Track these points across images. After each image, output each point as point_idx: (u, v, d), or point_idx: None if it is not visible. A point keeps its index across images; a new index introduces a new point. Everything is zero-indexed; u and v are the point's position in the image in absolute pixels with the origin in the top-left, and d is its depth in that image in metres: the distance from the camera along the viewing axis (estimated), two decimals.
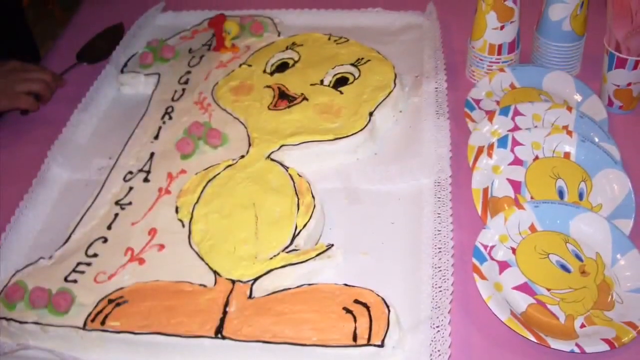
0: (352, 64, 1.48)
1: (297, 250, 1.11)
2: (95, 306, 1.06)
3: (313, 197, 1.19)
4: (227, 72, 1.53)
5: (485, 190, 1.21)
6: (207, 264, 1.12)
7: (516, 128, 1.29)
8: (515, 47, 1.48)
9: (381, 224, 1.19)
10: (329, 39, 1.59)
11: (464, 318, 1.06)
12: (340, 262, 1.12)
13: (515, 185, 1.21)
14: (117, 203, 1.25)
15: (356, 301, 1.01)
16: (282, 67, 1.52)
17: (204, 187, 1.24)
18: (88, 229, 1.21)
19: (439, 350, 0.96)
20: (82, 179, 1.35)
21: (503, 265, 1.09)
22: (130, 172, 1.31)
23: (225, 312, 1.03)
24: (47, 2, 3.96)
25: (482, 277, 1.06)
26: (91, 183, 1.33)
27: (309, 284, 1.06)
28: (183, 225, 1.19)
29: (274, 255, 1.11)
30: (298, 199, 1.19)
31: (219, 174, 1.27)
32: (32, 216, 1.26)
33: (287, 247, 1.12)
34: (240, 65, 1.55)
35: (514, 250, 1.11)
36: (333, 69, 1.47)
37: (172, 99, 1.49)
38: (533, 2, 1.51)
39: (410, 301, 1.04)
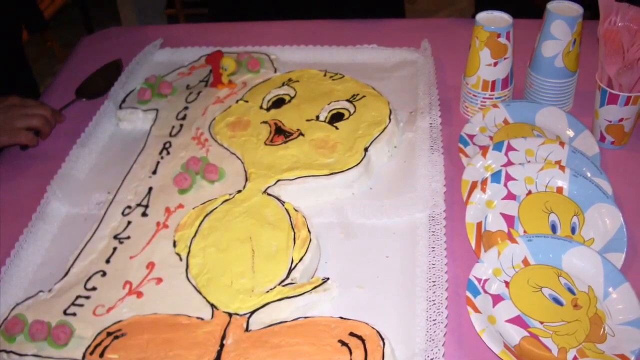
0: (348, 100, 1.50)
1: (293, 283, 1.12)
2: (94, 339, 1.07)
3: (309, 231, 1.20)
4: (224, 108, 1.55)
5: (479, 225, 1.22)
6: (204, 297, 1.12)
7: (509, 163, 1.31)
8: (509, 83, 1.49)
9: (376, 257, 1.20)
10: (325, 75, 1.61)
11: (458, 351, 1.07)
12: (336, 295, 1.13)
13: (509, 220, 1.22)
14: (115, 237, 1.26)
15: (351, 334, 1.02)
16: (279, 102, 1.53)
17: (202, 222, 1.25)
18: (87, 262, 1.22)
19: None
20: (81, 213, 1.36)
21: (497, 299, 1.10)
22: (129, 207, 1.32)
23: (222, 345, 1.04)
24: (47, 40, 4.01)
25: (476, 310, 1.07)
26: (90, 217, 1.34)
27: (305, 317, 1.07)
28: (180, 259, 1.20)
29: (271, 289, 1.11)
30: (294, 233, 1.20)
31: (216, 208, 1.28)
32: (31, 250, 1.26)
33: (283, 281, 1.13)
34: (237, 101, 1.56)
35: (507, 284, 1.11)
36: (329, 104, 1.49)
37: (170, 135, 1.50)
38: (526, 39, 1.52)
39: (405, 334, 1.05)
